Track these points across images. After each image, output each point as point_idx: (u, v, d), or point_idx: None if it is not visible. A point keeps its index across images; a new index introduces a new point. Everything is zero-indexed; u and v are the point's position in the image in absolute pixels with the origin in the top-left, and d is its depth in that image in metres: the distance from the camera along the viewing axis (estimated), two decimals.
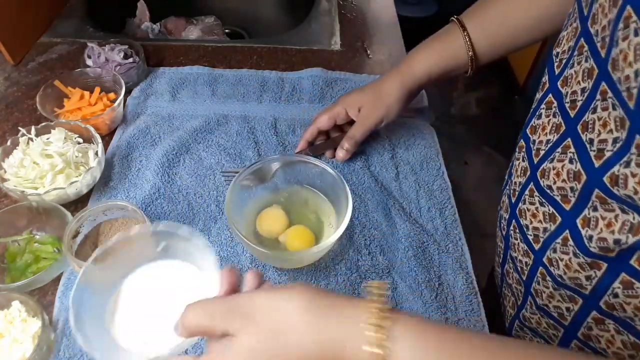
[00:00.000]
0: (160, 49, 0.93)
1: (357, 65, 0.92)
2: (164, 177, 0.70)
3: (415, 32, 1.08)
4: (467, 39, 0.64)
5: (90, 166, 0.66)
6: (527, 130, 0.53)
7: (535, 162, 0.49)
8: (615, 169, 0.38)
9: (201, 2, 1.21)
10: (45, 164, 0.64)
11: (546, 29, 0.62)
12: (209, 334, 0.37)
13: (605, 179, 0.39)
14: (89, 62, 0.84)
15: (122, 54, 0.83)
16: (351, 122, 0.71)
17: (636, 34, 0.33)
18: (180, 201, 0.67)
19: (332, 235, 0.55)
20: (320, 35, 0.99)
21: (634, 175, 0.36)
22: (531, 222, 0.50)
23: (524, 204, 0.51)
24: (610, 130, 0.38)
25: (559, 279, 0.47)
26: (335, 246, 0.62)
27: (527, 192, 0.51)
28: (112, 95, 0.79)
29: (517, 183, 0.54)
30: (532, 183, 0.50)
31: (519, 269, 0.54)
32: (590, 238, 0.42)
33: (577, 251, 0.43)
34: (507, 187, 0.58)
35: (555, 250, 0.46)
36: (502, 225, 0.59)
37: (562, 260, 0.46)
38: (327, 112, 0.71)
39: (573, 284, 0.45)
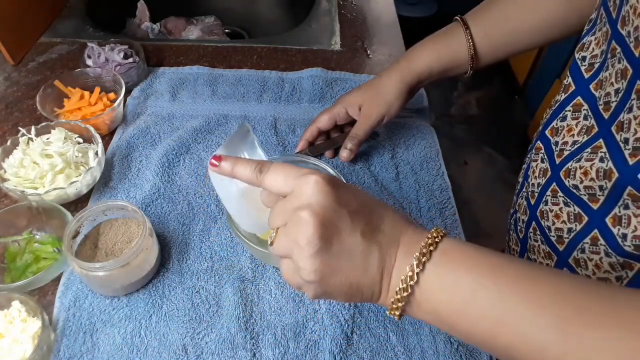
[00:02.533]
0: (160, 49, 0.93)
1: (357, 65, 0.92)
2: (164, 177, 0.70)
3: (415, 32, 1.08)
4: (469, 38, 0.64)
5: (90, 166, 0.66)
6: (546, 132, 0.53)
7: (558, 162, 0.49)
8: (621, 116, 0.38)
9: (201, 2, 1.21)
10: (45, 164, 0.64)
11: (547, 35, 0.62)
12: (275, 192, 0.38)
13: (613, 128, 0.39)
14: (89, 62, 0.84)
15: (122, 54, 0.83)
16: (352, 122, 0.71)
17: None
18: (180, 201, 0.67)
19: None
20: (320, 35, 0.99)
21: (635, 118, 0.37)
22: (554, 223, 0.50)
23: (546, 205, 0.51)
24: (612, 83, 0.39)
25: None
26: None
27: (548, 192, 0.51)
28: (112, 95, 0.79)
29: (536, 184, 0.53)
30: (554, 183, 0.50)
31: None
32: (625, 236, 0.41)
33: (610, 250, 0.43)
34: (524, 190, 0.58)
35: (583, 251, 0.46)
36: (518, 227, 0.58)
37: (591, 260, 0.45)
38: (327, 112, 0.71)
39: None
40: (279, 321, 0.56)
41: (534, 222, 0.54)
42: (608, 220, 0.43)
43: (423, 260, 0.34)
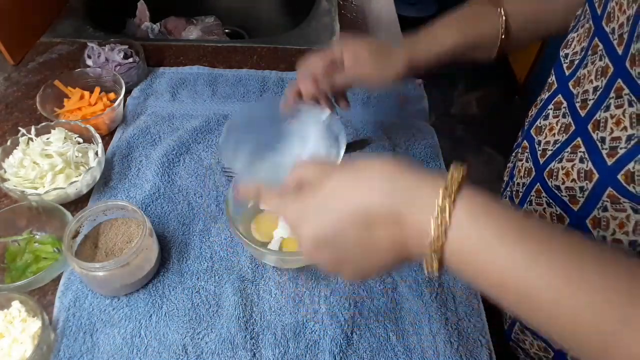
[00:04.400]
0: (160, 49, 0.93)
1: None
2: (164, 177, 0.70)
3: (415, 32, 1.08)
4: (503, 19, 0.57)
5: (90, 166, 0.66)
6: (531, 131, 0.52)
7: (541, 162, 0.49)
8: (630, 165, 0.38)
9: (201, 2, 1.21)
10: (45, 164, 0.64)
11: (569, 20, 0.58)
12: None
13: (620, 177, 0.39)
14: (89, 62, 0.84)
15: (122, 54, 0.83)
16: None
17: None
18: (180, 201, 0.67)
19: None
20: (320, 35, 0.99)
21: (612, 117, 0.37)
22: None
23: (530, 205, 0.51)
24: (625, 128, 0.38)
25: None
26: None
27: (533, 193, 0.50)
28: (112, 95, 0.79)
29: (521, 184, 0.53)
30: (538, 184, 0.50)
31: None
32: (604, 239, 0.41)
33: None
34: (508, 189, 0.57)
35: None
36: None
37: None
38: (320, 54, 0.60)
39: None
40: (279, 321, 0.56)
41: None
42: (588, 222, 0.43)
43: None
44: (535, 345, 0.57)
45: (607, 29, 0.41)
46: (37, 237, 0.61)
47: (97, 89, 0.78)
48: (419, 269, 0.61)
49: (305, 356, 0.53)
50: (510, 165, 0.62)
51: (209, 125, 0.78)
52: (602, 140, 0.41)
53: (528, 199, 0.51)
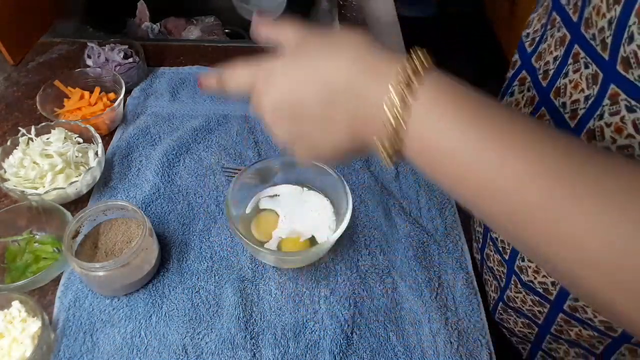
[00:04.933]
0: (160, 49, 0.93)
1: None
2: (164, 177, 0.70)
3: (415, 32, 1.07)
4: None
5: (90, 166, 0.66)
6: None
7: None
8: (590, 124, 0.39)
9: (201, 2, 1.21)
10: (45, 164, 0.64)
11: None
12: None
13: (583, 136, 0.40)
14: (89, 62, 0.84)
15: (122, 54, 0.83)
16: None
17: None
18: (180, 201, 0.67)
19: (332, 235, 0.55)
20: None
21: (608, 125, 0.37)
22: None
23: None
24: (582, 90, 0.40)
25: None
26: (335, 246, 0.62)
27: None
28: (112, 95, 0.79)
29: None
30: None
31: (500, 249, 0.54)
32: None
33: None
34: None
35: None
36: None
37: None
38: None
39: None
40: (279, 321, 0.56)
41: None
42: None
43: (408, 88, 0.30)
44: (520, 323, 0.57)
45: (563, 1, 0.43)
46: (37, 237, 0.61)
47: (97, 89, 0.78)
48: (419, 269, 0.61)
49: (305, 356, 0.53)
50: None
51: (209, 125, 0.78)
52: (563, 105, 0.42)
53: None
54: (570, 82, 0.41)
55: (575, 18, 0.41)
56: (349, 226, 0.59)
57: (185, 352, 0.53)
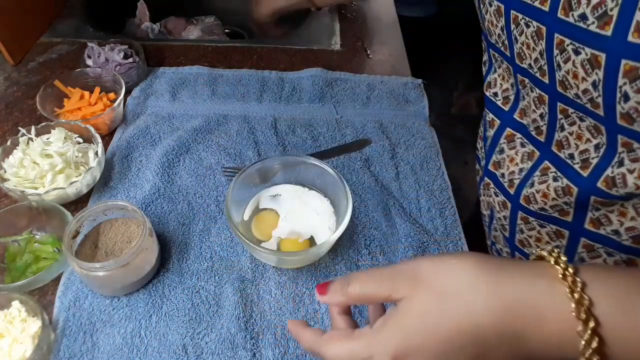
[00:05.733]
0: (160, 49, 0.93)
1: (357, 65, 0.92)
2: (164, 177, 0.70)
3: (415, 32, 1.08)
4: None
5: (90, 166, 0.66)
6: (489, 167, 0.54)
7: (512, 192, 0.50)
8: (609, 171, 0.38)
9: (201, 2, 1.21)
10: (45, 164, 0.64)
11: None
12: (373, 300, 0.35)
13: (600, 184, 0.39)
14: (89, 62, 0.84)
15: (122, 54, 0.83)
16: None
17: (577, 53, 0.35)
18: (180, 201, 0.67)
19: (331, 235, 0.55)
20: (320, 35, 0.99)
21: (631, 172, 0.37)
22: (538, 247, 0.50)
23: (522, 233, 0.51)
24: (589, 139, 0.40)
25: None
26: (335, 246, 0.61)
27: (519, 221, 0.51)
28: (112, 95, 0.79)
29: (503, 217, 0.54)
30: (519, 212, 0.50)
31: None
32: (617, 233, 0.41)
33: (610, 250, 0.43)
34: (495, 222, 0.57)
35: (583, 260, 0.46)
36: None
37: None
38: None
39: None
40: (279, 321, 0.56)
41: (517, 253, 0.53)
42: (588, 226, 0.43)
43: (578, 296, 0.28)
44: None
45: (524, 65, 0.43)
46: (37, 237, 0.61)
47: (97, 89, 0.78)
48: None
49: (305, 356, 0.53)
50: (482, 200, 0.63)
51: (209, 125, 0.78)
52: (571, 156, 0.42)
53: (517, 229, 0.51)
54: (571, 134, 0.41)
55: (546, 80, 0.41)
56: (349, 226, 0.59)
57: (185, 352, 0.53)
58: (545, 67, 0.39)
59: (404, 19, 1.07)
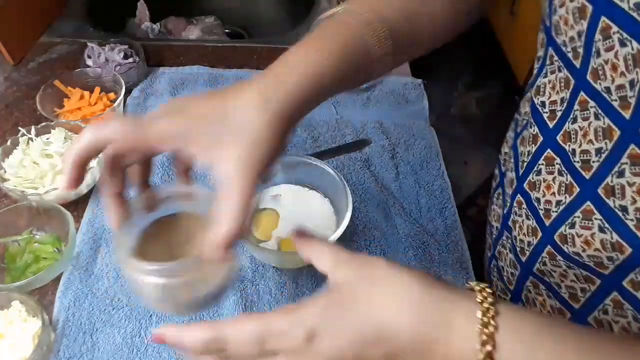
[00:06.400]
0: (160, 49, 0.93)
1: None
2: (164, 177, 0.69)
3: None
4: (372, 24, 0.42)
5: (90, 166, 0.66)
6: (524, 185, 0.48)
7: (548, 224, 0.45)
8: (609, 179, 0.36)
9: (201, 2, 1.21)
10: (45, 163, 0.64)
11: (441, 34, 0.49)
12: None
13: (600, 191, 0.37)
14: (89, 62, 0.84)
15: (122, 54, 0.83)
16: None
17: (623, 45, 0.32)
18: None
19: (332, 236, 0.55)
20: None
21: (630, 185, 0.34)
22: (562, 281, 0.46)
23: (545, 265, 0.47)
24: (591, 141, 0.37)
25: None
26: None
27: (545, 254, 0.46)
28: (112, 95, 0.79)
29: (526, 242, 0.49)
30: (549, 246, 0.45)
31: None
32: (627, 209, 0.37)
33: (639, 315, 0.40)
34: (505, 240, 0.54)
35: (606, 312, 0.43)
36: (504, 278, 0.55)
37: (617, 322, 0.42)
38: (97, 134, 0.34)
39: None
40: None
41: (532, 278, 0.49)
42: (627, 285, 0.39)
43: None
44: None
45: (598, 87, 0.36)
46: (37, 237, 0.61)
47: (97, 89, 0.78)
48: (419, 269, 0.61)
49: None
50: (499, 210, 0.57)
51: None
52: (624, 209, 0.36)
53: (540, 260, 0.46)
54: (630, 184, 0.35)
55: (628, 115, 0.34)
56: (349, 226, 0.59)
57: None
58: (632, 100, 0.33)
59: None
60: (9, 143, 0.66)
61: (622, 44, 0.32)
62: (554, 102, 0.43)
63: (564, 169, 0.41)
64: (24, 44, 0.90)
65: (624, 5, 0.31)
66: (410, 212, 0.68)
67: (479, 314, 0.29)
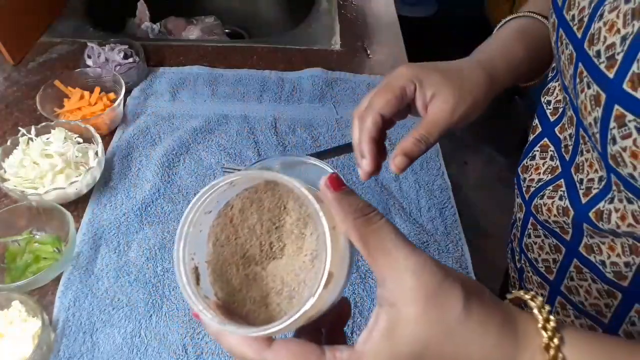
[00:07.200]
0: (160, 49, 0.93)
1: (357, 65, 0.92)
2: (164, 177, 0.70)
3: (415, 32, 1.08)
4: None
5: (90, 166, 0.66)
6: (518, 169, 0.54)
7: (527, 198, 0.51)
8: (601, 204, 0.40)
9: (201, 2, 1.21)
10: (45, 164, 0.64)
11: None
12: None
13: (591, 214, 0.41)
14: (89, 62, 0.84)
15: (122, 54, 0.83)
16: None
17: (589, 87, 0.35)
18: (180, 201, 0.67)
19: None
20: (320, 35, 0.99)
21: (616, 211, 0.38)
22: (539, 255, 0.51)
23: (529, 238, 0.53)
24: (596, 170, 0.40)
25: (580, 306, 0.48)
26: None
27: (529, 226, 0.52)
28: (112, 95, 0.79)
29: (518, 219, 0.55)
30: (531, 218, 0.51)
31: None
32: (603, 263, 0.43)
33: (595, 277, 0.44)
34: (517, 222, 0.59)
35: (572, 279, 0.47)
36: (515, 258, 0.59)
37: (581, 287, 0.47)
38: (388, 91, 0.44)
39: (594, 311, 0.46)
40: None
41: (522, 255, 0.55)
42: (582, 249, 0.45)
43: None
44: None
45: (566, 82, 0.42)
46: (37, 237, 0.61)
47: (97, 89, 0.78)
48: None
49: None
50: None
51: (209, 125, 0.78)
52: (580, 181, 0.43)
53: (526, 233, 0.53)
54: (586, 160, 0.42)
55: (575, 103, 0.40)
56: None
57: (185, 352, 0.53)
58: (574, 91, 0.39)
59: (404, 19, 1.07)
60: (9, 143, 0.66)
61: (588, 86, 0.36)
62: (558, 101, 0.49)
63: (556, 155, 0.48)
64: (24, 44, 0.90)
65: (591, 52, 0.35)
66: (410, 212, 0.68)
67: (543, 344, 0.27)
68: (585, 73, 0.36)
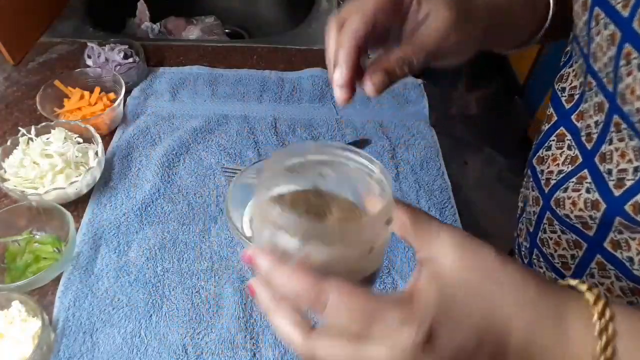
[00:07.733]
0: (160, 49, 0.93)
1: None
2: (164, 177, 0.70)
3: None
4: None
5: (90, 166, 0.66)
6: (533, 160, 0.53)
7: (546, 191, 0.49)
8: (639, 197, 0.38)
9: (201, 2, 1.21)
10: (45, 163, 0.64)
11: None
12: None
13: (628, 207, 0.39)
14: (89, 62, 0.84)
15: (122, 54, 0.83)
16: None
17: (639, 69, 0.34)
18: (180, 201, 0.67)
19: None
20: (320, 35, 0.99)
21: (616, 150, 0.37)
22: (556, 250, 0.50)
23: (545, 233, 0.51)
24: (630, 160, 0.39)
25: None
26: None
27: (545, 221, 0.51)
28: (112, 95, 0.79)
29: (532, 212, 0.54)
30: (548, 212, 0.50)
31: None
32: (631, 260, 0.42)
33: (620, 274, 0.43)
34: (524, 215, 0.58)
35: (593, 276, 0.46)
36: (522, 253, 0.58)
37: (602, 284, 0.45)
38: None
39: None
40: None
41: (535, 250, 0.54)
42: (607, 245, 0.43)
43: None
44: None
45: (595, 67, 0.41)
46: (37, 237, 0.61)
47: (97, 89, 0.78)
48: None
49: None
50: (522, 190, 0.62)
51: (209, 125, 0.78)
52: (609, 172, 0.41)
53: (542, 227, 0.51)
54: (616, 150, 0.40)
55: (610, 88, 0.39)
56: None
57: (185, 352, 0.53)
58: (612, 75, 0.38)
59: None
60: (9, 143, 0.66)
61: (639, 68, 0.34)
62: (573, 88, 0.48)
63: (573, 144, 0.47)
64: (24, 44, 0.90)
65: None
66: None
67: (594, 318, 0.27)
68: (635, 54, 0.34)
